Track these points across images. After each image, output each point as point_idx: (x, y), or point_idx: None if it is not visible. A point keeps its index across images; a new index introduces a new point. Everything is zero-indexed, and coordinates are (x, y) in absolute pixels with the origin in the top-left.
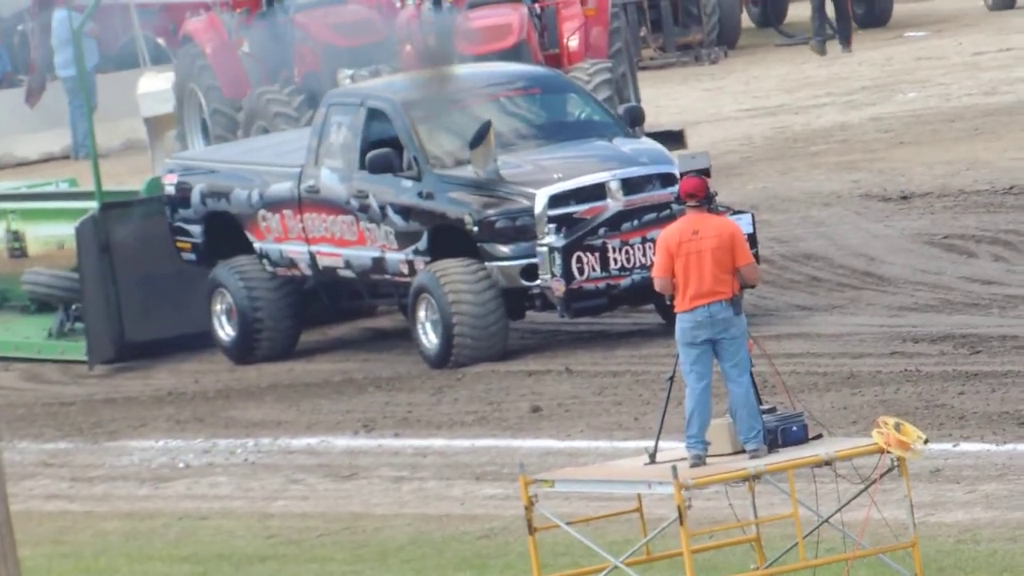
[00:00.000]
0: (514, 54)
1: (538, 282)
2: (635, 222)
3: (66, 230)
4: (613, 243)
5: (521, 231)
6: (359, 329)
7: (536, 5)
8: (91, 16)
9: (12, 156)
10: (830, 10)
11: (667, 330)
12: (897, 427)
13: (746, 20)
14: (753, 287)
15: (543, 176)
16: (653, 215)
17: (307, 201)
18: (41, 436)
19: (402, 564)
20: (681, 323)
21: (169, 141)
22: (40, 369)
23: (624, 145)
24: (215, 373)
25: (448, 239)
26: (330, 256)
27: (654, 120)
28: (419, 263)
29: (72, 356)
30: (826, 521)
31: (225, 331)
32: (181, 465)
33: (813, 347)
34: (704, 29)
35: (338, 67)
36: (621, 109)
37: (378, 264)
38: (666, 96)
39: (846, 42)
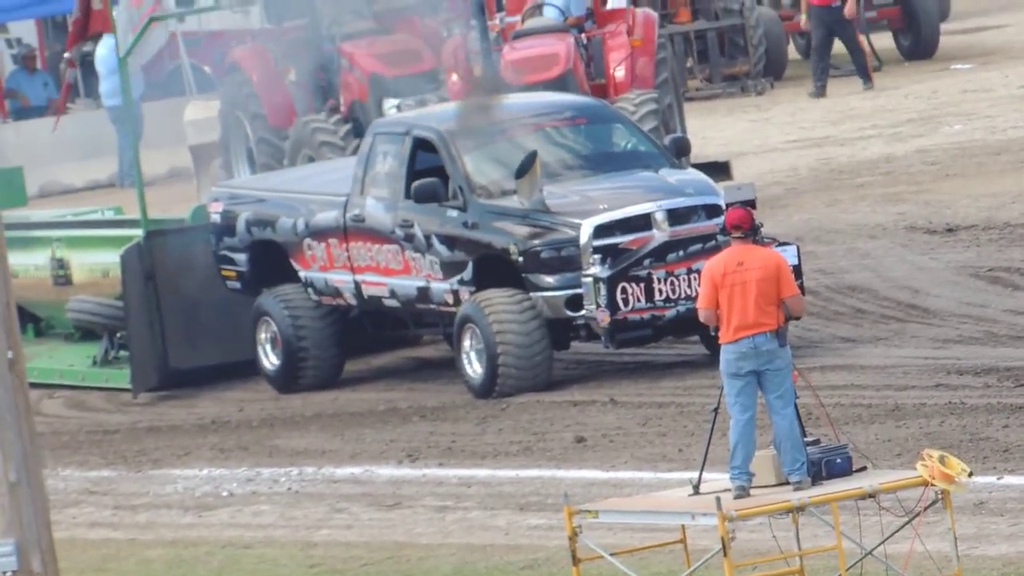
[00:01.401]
0: (560, 84)
1: (583, 312)
2: (680, 253)
3: (111, 258)
4: (658, 274)
5: (566, 261)
6: (403, 358)
7: (583, 35)
8: (136, 45)
9: (58, 184)
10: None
11: (712, 361)
12: (941, 460)
13: (792, 52)
14: (798, 319)
15: (588, 206)
16: (698, 246)
17: (352, 230)
18: (85, 464)
19: None
20: (725, 354)
21: (215, 169)
22: (84, 397)
23: (670, 176)
24: (259, 402)
25: (493, 269)
26: (375, 285)
27: (700, 151)
28: (464, 293)
29: (116, 384)
30: (870, 553)
31: (270, 360)
32: (225, 494)
33: (857, 379)
34: (750, 60)
35: (384, 96)
36: (667, 140)
37: (423, 294)
38: (712, 127)
39: (866, 77)
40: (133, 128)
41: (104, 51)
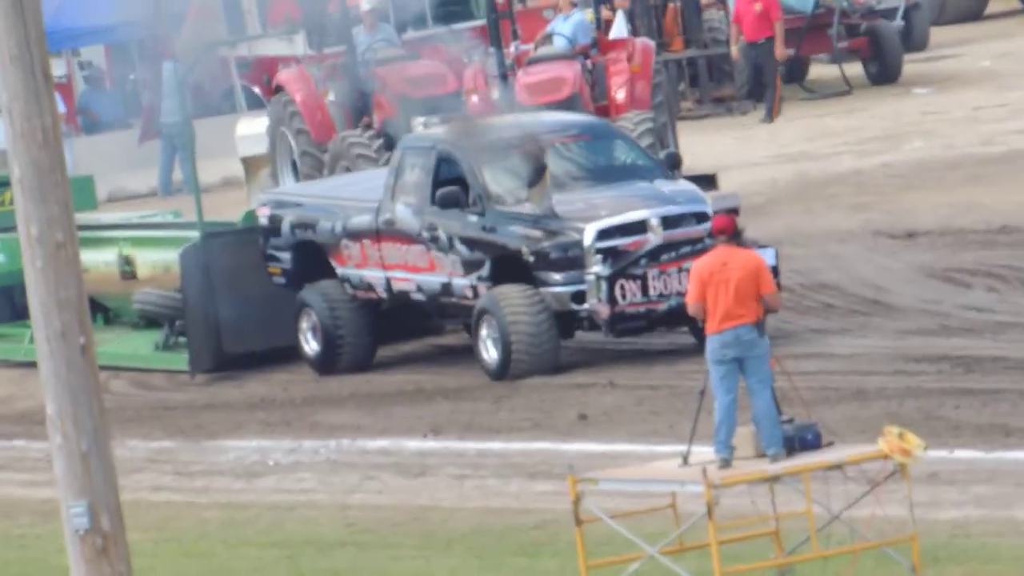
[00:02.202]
0: (568, 105)
1: (586, 306)
2: (672, 254)
3: (171, 255)
4: (653, 272)
5: (572, 261)
6: (428, 345)
7: (588, 61)
8: (194, 69)
9: (124, 190)
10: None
11: (699, 349)
12: (900, 436)
13: None
14: (775, 312)
15: (592, 213)
16: (688, 248)
17: (384, 232)
18: (149, 436)
19: (465, 551)
20: (711, 343)
21: (263, 178)
22: (148, 377)
23: (664, 186)
24: (301, 382)
25: (508, 267)
26: (403, 281)
27: (691, 164)
28: (482, 288)
29: (176, 366)
30: (836, 517)
31: (311, 346)
32: (271, 462)
33: (827, 365)
34: (735, 85)
35: (412, 115)
36: (662, 154)
37: (446, 288)
38: (701, 143)
39: (770, 113)
40: (191, 143)
41: (165, 74)
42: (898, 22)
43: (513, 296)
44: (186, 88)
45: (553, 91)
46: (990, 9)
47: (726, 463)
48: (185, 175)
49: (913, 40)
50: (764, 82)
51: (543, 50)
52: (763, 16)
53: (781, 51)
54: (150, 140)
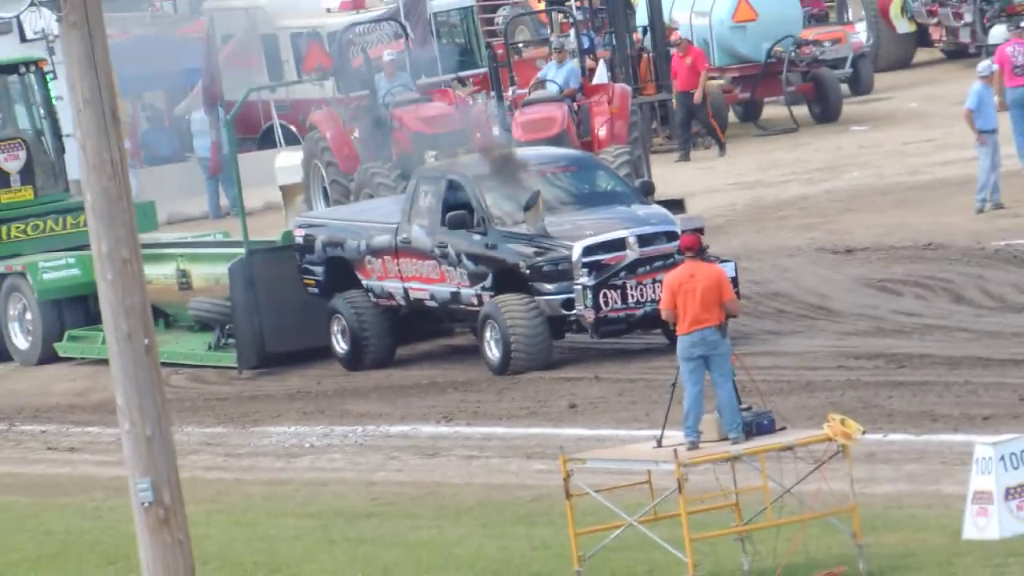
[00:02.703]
0: (557, 141)
1: (575, 311)
2: (647, 267)
3: (221, 269)
4: (631, 283)
5: (562, 273)
6: (440, 345)
7: (574, 103)
8: (238, 111)
9: (181, 214)
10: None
11: (670, 348)
12: (842, 422)
13: (732, 116)
14: (735, 317)
15: (579, 232)
16: (661, 262)
17: (402, 250)
18: (203, 423)
19: (472, 520)
20: (681, 343)
21: (298, 204)
22: (202, 373)
23: (639, 210)
24: (333, 377)
25: (507, 279)
26: (419, 291)
27: (662, 191)
28: (486, 296)
29: (226, 363)
30: (788, 491)
31: (340, 346)
32: (307, 445)
33: (779, 362)
34: (700, 123)
35: (425, 149)
36: (637, 183)
37: (455, 297)
38: (670, 173)
39: (720, 147)
40: (236, 174)
41: (200, 113)
42: (847, 70)
43: (512, 303)
44: (232, 128)
45: (544, 129)
46: (917, 58)
47: (694, 445)
48: (231, 201)
49: (861, 85)
50: (703, 125)
51: (536, 94)
52: (692, 69)
53: (698, 95)
54: (219, 172)
